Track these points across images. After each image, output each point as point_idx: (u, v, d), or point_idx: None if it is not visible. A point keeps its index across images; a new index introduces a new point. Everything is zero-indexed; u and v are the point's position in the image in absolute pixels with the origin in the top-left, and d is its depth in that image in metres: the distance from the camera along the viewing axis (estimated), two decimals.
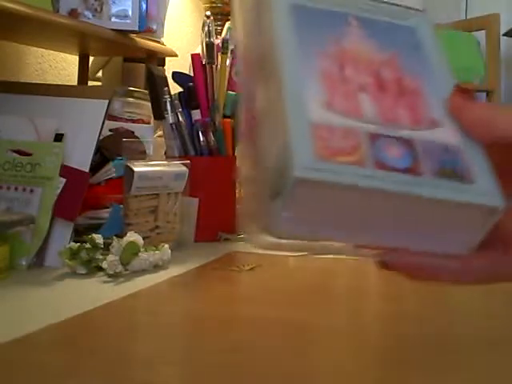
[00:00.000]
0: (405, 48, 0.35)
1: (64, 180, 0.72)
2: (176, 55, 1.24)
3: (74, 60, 1.24)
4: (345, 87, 0.31)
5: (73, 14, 0.97)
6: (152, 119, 1.00)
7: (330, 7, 0.35)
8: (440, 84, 0.34)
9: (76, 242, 0.69)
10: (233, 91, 0.93)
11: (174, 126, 0.90)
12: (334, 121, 0.29)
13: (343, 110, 0.30)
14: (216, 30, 0.94)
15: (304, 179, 0.27)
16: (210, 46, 0.91)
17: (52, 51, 1.20)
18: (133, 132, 0.97)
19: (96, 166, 0.82)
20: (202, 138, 0.91)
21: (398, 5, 0.37)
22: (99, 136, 0.77)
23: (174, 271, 0.69)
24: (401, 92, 0.32)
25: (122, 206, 0.78)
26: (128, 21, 1.02)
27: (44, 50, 1.19)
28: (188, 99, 0.92)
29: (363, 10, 0.36)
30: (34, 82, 1.14)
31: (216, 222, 0.91)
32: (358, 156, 0.28)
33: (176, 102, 0.91)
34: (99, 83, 1.26)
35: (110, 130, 0.91)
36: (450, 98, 0.32)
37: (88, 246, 0.67)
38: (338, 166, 0.27)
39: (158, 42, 1.16)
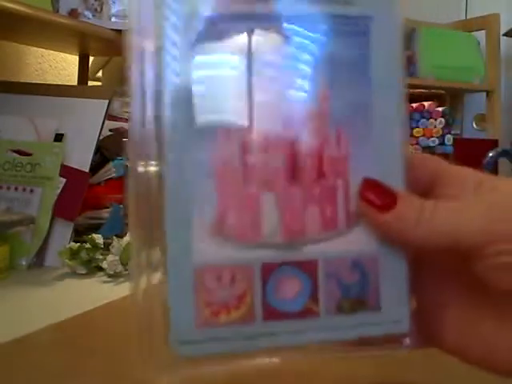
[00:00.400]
0: (346, 69, 0.25)
1: (64, 180, 0.72)
2: None
3: (74, 60, 1.24)
4: (244, 188, 0.24)
5: (73, 13, 0.97)
6: None
7: (250, 8, 0.24)
8: (382, 138, 0.25)
9: (76, 242, 0.69)
10: None
11: None
12: (221, 256, 0.24)
13: (235, 231, 0.24)
14: None
15: (180, 355, 0.24)
16: None
17: (52, 51, 1.20)
18: None
19: (96, 166, 0.82)
20: None
21: None
22: (99, 136, 0.77)
23: None
24: (319, 174, 0.25)
25: (121, 205, 0.78)
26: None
27: (44, 50, 1.19)
28: None
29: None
30: (34, 82, 1.14)
31: None
32: (245, 308, 0.24)
33: None
34: (99, 83, 1.26)
35: (110, 130, 0.91)
36: (360, 195, 0.25)
37: (88, 245, 0.67)
38: (220, 330, 0.24)
39: None
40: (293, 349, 0.25)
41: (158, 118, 0.24)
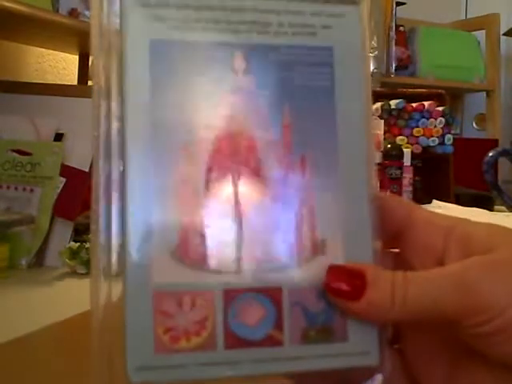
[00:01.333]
0: (310, 98, 0.25)
1: (64, 180, 0.72)
2: None
3: (73, 60, 1.24)
4: (207, 213, 0.24)
5: (73, 13, 0.97)
6: None
7: (212, 37, 0.24)
8: (347, 168, 0.25)
9: (76, 241, 0.69)
10: None
11: None
12: (182, 281, 0.23)
13: (197, 256, 0.23)
14: None
15: (137, 382, 0.23)
16: None
17: (52, 51, 1.20)
18: None
19: None
20: None
21: None
22: None
23: None
24: (284, 202, 0.25)
25: None
26: None
27: (44, 49, 1.19)
28: None
29: (259, 30, 0.25)
30: (33, 81, 1.14)
31: None
32: (206, 334, 0.23)
33: None
34: None
35: None
36: (327, 280, 0.24)
37: (88, 245, 0.67)
38: (180, 356, 0.23)
39: None
40: (255, 379, 0.24)
41: (122, 118, 0.23)
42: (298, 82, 0.25)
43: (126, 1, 0.24)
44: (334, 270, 0.24)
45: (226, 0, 0.25)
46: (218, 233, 0.24)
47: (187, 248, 0.23)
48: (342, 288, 0.24)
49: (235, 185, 0.24)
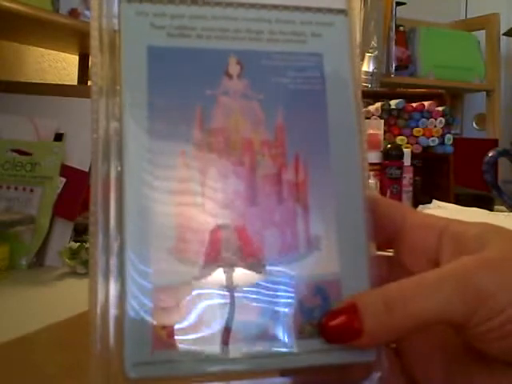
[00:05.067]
0: (303, 101, 0.26)
1: (64, 180, 0.72)
2: None
3: (73, 60, 1.24)
4: (203, 211, 0.24)
5: (73, 13, 0.97)
6: None
7: (205, 43, 0.25)
8: (339, 167, 0.26)
9: (76, 241, 0.69)
10: None
11: None
12: (181, 277, 0.24)
13: (194, 253, 0.24)
14: None
15: (134, 377, 0.23)
16: None
17: (52, 51, 1.20)
18: None
19: None
20: None
21: (309, 7, 0.27)
22: None
23: None
24: (279, 199, 0.25)
25: None
26: None
27: (44, 49, 1.19)
28: None
29: (252, 37, 0.26)
30: (33, 81, 1.14)
31: None
32: (204, 330, 0.23)
33: None
34: None
35: None
36: (325, 322, 0.24)
37: (88, 245, 0.67)
38: (177, 352, 0.23)
39: None
40: (253, 374, 0.24)
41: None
42: (290, 85, 0.26)
43: (124, 10, 0.25)
44: (330, 318, 0.24)
45: (219, 10, 0.26)
46: (214, 232, 0.24)
47: (185, 246, 0.24)
48: (342, 337, 0.24)
49: (231, 185, 0.25)
